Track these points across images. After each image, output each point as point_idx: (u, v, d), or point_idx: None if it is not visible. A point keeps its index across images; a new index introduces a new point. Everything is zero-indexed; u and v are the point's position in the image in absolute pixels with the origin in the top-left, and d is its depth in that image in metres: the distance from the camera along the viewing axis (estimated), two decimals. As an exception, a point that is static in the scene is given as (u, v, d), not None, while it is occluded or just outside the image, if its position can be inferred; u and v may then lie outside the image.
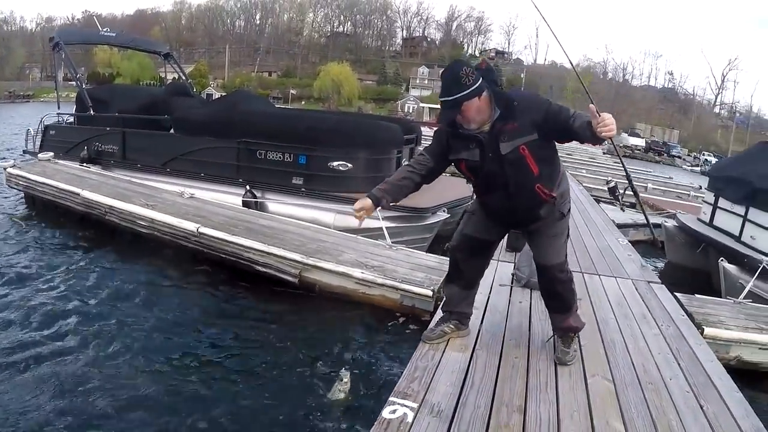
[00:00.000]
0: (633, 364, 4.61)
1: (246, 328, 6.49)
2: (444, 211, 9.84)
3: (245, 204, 10.21)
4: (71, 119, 14.89)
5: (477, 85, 3.70)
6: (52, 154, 12.82)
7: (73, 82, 15.45)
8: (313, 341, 6.25)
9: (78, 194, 9.57)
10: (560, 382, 4.14)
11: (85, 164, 12.54)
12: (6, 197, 12.39)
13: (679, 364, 4.73)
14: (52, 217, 10.50)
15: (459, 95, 3.70)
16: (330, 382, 5.17)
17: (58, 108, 15.51)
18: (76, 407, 4.83)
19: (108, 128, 12.79)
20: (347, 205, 9.57)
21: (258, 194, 10.45)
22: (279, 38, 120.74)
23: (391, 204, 4.43)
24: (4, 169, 11.62)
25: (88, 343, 5.91)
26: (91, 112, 13.60)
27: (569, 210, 4.24)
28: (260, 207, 10.27)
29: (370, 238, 8.34)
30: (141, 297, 7.10)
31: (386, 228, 8.32)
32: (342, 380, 4.84)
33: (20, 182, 11.26)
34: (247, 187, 10.44)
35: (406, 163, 4.54)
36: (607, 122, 3.45)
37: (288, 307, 6.98)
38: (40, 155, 12.87)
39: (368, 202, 4.22)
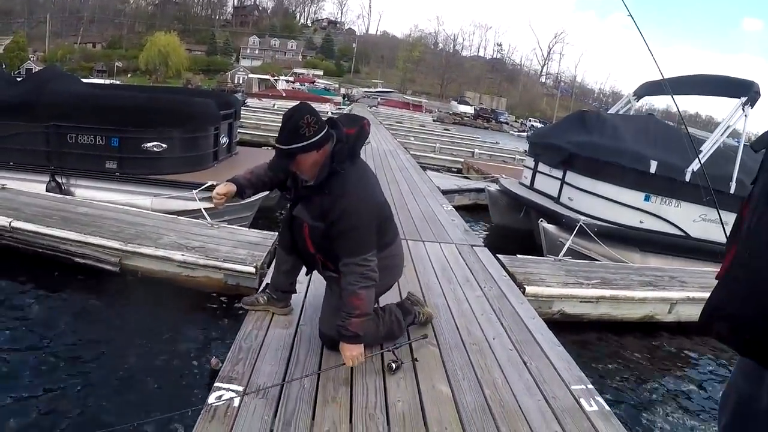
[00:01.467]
0: (457, 327, 4.72)
1: (70, 323, 6.08)
2: (261, 185, 9.69)
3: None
4: None
5: (317, 138, 3.37)
6: None
7: None
8: (140, 330, 6.00)
9: None
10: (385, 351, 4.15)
11: None
12: None
13: (501, 324, 4.91)
14: None
15: (294, 146, 3.35)
16: (157, 370, 5.07)
17: None
18: None
19: None
20: (164, 189, 9.32)
21: (63, 182, 9.83)
22: (104, 6, 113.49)
23: (250, 196, 4.22)
24: None
25: None
26: None
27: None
28: (68, 195, 9.68)
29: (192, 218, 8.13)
30: None
31: (204, 209, 8.14)
32: None
33: None
34: (52, 175, 9.78)
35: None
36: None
37: (112, 297, 6.63)
38: None
39: (233, 187, 3.96)
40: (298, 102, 3.68)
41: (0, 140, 10.22)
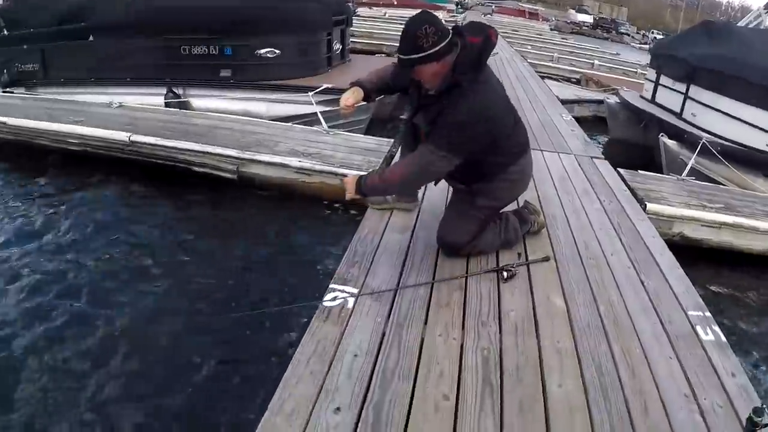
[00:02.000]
0: (574, 240, 4.61)
1: (192, 230, 6.42)
2: (375, 91, 9.62)
3: (168, 105, 9.88)
4: None
5: (436, 49, 3.18)
6: None
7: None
8: (258, 235, 6.26)
9: (5, 123, 9.09)
10: (501, 259, 4.10)
11: (7, 89, 11.83)
12: None
13: (620, 240, 4.75)
14: None
15: (411, 57, 3.24)
16: (273, 271, 5.29)
17: None
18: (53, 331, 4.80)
19: (25, 46, 11.91)
20: (279, 94, 9.41)
21: (180, 92, 10.12)
22: None
23: (374, 99, 4.17)
24: None
25: (41, 267, 5.76)
26: (5, 32, 12.70)
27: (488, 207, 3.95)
28: (185, 106, 9.98)
29: (308, 125, 8.18)
30: (85, 216, 6.90)
31: (321, 113, 8.16)
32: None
33: None
34: (170, 87, 10.08)
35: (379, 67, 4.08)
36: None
37: (231, 203, 6.91)
38: None
39: (360, 93, 3.92)
40: (415, 11, 3.50)
41: (116, 58, 10.60)
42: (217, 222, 6.59)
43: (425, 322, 3.28)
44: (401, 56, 3.30)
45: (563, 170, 6.49)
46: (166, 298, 5.12)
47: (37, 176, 8.16)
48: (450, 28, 3.35)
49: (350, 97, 3.87)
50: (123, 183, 7.61)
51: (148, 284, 5.33)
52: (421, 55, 3.19)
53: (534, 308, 3.54)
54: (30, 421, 3.78)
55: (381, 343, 3.06)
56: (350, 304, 3.34)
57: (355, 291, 3.49)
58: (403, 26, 3.30)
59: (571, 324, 3.42)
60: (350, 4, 14.38)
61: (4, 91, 11.61)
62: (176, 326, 4.69)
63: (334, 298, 3.39)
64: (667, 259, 4.51)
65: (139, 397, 4.01)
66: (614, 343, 3.29)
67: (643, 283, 4.05)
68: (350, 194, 3.65)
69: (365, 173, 3.66)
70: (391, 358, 2.95)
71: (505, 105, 3.64)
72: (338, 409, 2.58)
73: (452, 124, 3.33)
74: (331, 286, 3.55)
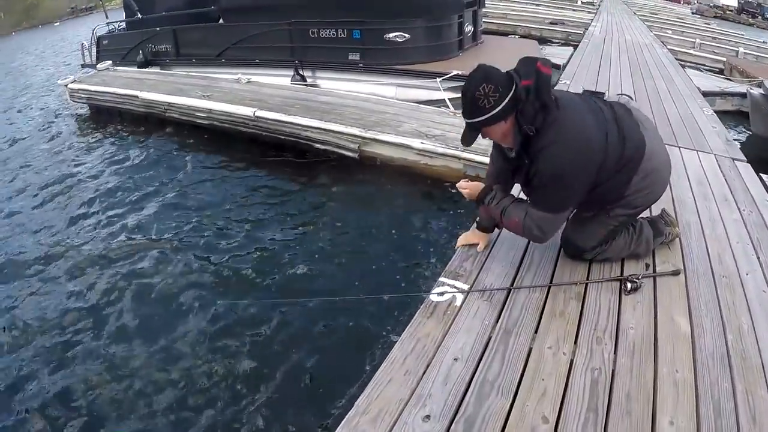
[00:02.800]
0: (708, 253, 4.22)
1: (312, 205, 6.64)
2: (511, 77, 9.34)
3: None
4: (123, 26, 14.76)
5: (500, 108, 2.95)
6: (110, 62, 12.85)
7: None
8: (376, 215, 6.29)
9: (137, 96, 9.70)
10: (627, 267, 3.83)
11: (142, 68, 12.63)
12: (73, 113, 12.42)
13: (758, 258, 4.30)
14: (116, 121, 10.66)
15: (475, 120, 3.04)
16: (387, 254, 5.41)
17: (107, 18, 15.74)
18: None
19: (158, 28, 12.67)
20: (407, 79, 9.32)
21: (308, 75, 10.36)
22: None
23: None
24: (66, 86, 11.59)
25: (167, 227, 6.42)
26: (139, 15, 13.55)
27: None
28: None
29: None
30: (209, 184, 7.38)
31: (449, 99, 8.02)
32: None
33: (82, 95, 11.37)
34: (296, 69, 10.34)
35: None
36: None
37: (351, 183, 7.01)
38: (98, 65, 12.86)
39: (478, 188, 3.64)
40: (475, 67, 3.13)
41: (245, 40, 10.94)
42: (336, 200, 6.68)
43: (536, 331, 3.10)
44: (466, 120, 3.12)
45: (702, 172, 6.03)
46: (267, 278, 5.33)
47: (168, 146, 8.71)
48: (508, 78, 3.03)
49: (467, 185, 3.68)
50: (248, 154, 7.91)
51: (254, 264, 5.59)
52: (485, 117, 3.00)
53: (656, 328, 3.26)
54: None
55: (485, 349, 2.90)
56: (458, 302, 3.20)
57: (466, 287, 3.33)
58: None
59: (694, 352, 3.12)
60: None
61: (138, 69, 12.40)
62: (273, 311, 4.81)
63: (443, 293, 3.25)
64: (807, 288, 4.08)
65: (228, 386, 4.19)
66: (738, 380, 2.96)
67: (778, 313, 3.67)
68: (470, 196, 3.56)
69: (496, 189, 3.52)
70: (493, 367, 2.79)
71: (596, 126, 3.18)
72: (428, 417, 2.46)
73: (546, 185, 3.10)
74: (441, 279, 3.42)
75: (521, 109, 2.98)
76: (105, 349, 4.55)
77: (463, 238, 3.89)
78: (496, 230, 3.98)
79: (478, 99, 2.95)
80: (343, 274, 5.25)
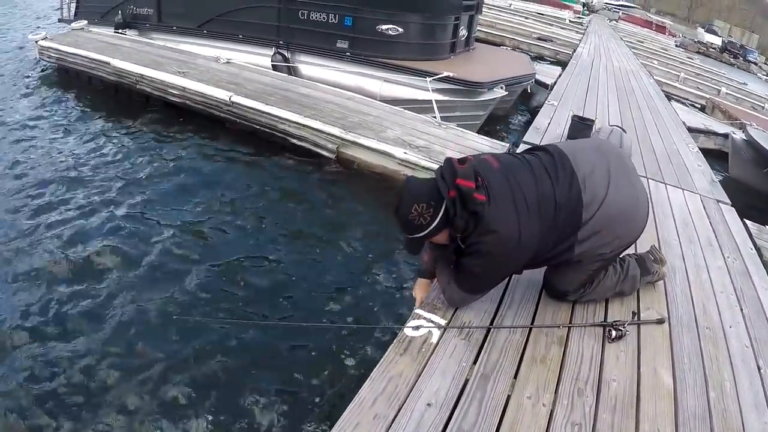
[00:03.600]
0: (693, 302, 4.10)
1: (280, 202, 6.39)
2: (501, 87, 9.24)
3: (275, 68, 9.93)
4: None
5: (435, 223, 2.92)
6: (85, 22, 12.43)
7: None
8: (348, 224, 6.07)
9: (108, 63, 9.31)
10: (611, 310, 3.68)
11: (119, 30, 12.17)
12: (41, 71, 11.67)
13: (741, 310, 4.21)
14: (84, 87, 10.16)
15: (417, 236, 2.99)
16: (357, 272, 5.22)
17: None
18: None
19: None
20: (395, 74, 9.13)
21: (288, 56, 10.12)
22: None
23: None
24: (36, 42, 11.09)
25: (123, 211, 6.06)
26: None
27: None
28: (293, 72, 9.96)
29: (418, 112, 7.86)
30: (171, 169, 7.02)
31: (436, 101, 7.85)
32: None
33: (52, 54, 10.86)
34: (277, 49, 10.13)
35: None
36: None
37: (324, 184, 6.77)
38: (73, 24, 12.41)
39: (427, 285, 3.64)
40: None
41: (230, 14, 10.70)
42: (306, 201, 6.47)
43: (515, 376, 2.93)
44: (407, 235, 3.05)
45: (687, 213, 5.91)
46: (212, 295, 4.97)
47: (135, 120, 8.48)
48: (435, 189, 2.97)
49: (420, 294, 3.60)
50: (217, 140, 7.71)
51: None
52: (424, 234, 2.97)
53: (639, 382, 3.10)
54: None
55: (461, 394, 2.72)
56: (434, 338, 3.02)
57: (443, 322, 3.16)
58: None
59: (676, 409, 2.97)
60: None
61: (116, 32, 11.97)
62: (215, 335, 4.50)
63: (418, 327, 3.08)
64: (789, 344, 3.95)
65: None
66: (718, 442, 2.82)
67: (759, 369, 3.53)
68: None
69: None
70: (469, 416, 2.61)
71: (527, 217, 2.98)
72: (395, 470, 2.25)
73: (471, 271, 3.13)
74: (416, 311, 3.25)
75: (452, 222, 2.94)
76: (42, 370, 4.22)
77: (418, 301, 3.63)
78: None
79: (413, 220, 2.92)
80: (312, 293, 4.97)
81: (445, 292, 3.30)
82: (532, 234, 2.96)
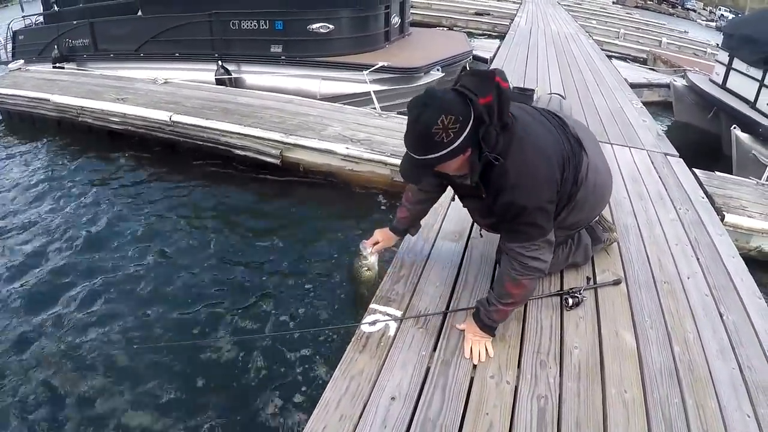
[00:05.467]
0: (648, 259, 4.12)
1: (231, 215, 6.26)
2: (438, 69, 9.35)
3: (219, 81, 9.81)
4: (41, 20, 13.96)
5: (459, 142, 2.43)
6: (22, 61, 12.11)
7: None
8: (298, 229, 5.97)
9: (48, 100, 9.08)
10: (566, 280, 3.67)
11: (57, 64, 11.97)
12: None
13: (698, 259, 4.23)
14: (28, 128, 9.82)
15: (429, 157, 2.49)
16: (310, 272, 5.12)
17: (22, 11, 14.70)
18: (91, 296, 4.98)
19: (75, 22, 12.03)
20: (332, 71, 9.10)
21: (232, 69, 10.03)
22: None
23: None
24: None
25: (80, 247, 5.85)
26: (55, 8, 12.89)
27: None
28: (236, 83, 9.91)
29: (360, 105, 7.83)
30: (124, 196, 6.87)
31: (374, 92, 7.86)
32: (362, 256, 3.54)
33: None
34: (220, 63, 10.00)
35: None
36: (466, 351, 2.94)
37: (273, 190, 6.70)
38: (10, 65, 12.08)
39: (389, 241, 3.54)
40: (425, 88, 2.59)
41: (164, 33, 10.62)
42: (255, 211, 6.36)
43: (477, 358, 2.88)
44: (415, 156, 2.55)
45: (635, 169, 5.94)
46: (168, 307, 4.87)
47: (82, 154, 8.28)
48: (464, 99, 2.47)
49: (373, 243, 3.48)
50: (164, 162, 7.57)
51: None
52: (442, 153, 2.47)
53: (600, 345, 3.10)
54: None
55: (424, 383, 2.70)
56: (392, 331, 2.99)
57: (399, 314, 3.12)
58: (407, 111, 2.52)
59: (641, 368, 2.98)
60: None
61: (54, 67, 11.72)
62: (169, 358, 4.35)
63: (374, 322, 3.04)
64: (747, 286, 3.96)
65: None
66: (688, 395, 2.85)
67: (722, 316, 3.55)
68: (476, 345, 2.99)
69: (482, 313, 2.96)
70: (434, 404, 2.59)
71: (552, 141, 2.86)
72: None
73: (521, 218, 2.67)
74: (371, 306, 3.20)
75: (484, 136, 2.49)
76: None
77: (372, 238, 3.54)
78: (426, 245, 3.85)
79: (435, 134, 2.40)
80: (267, 302, 4.84)
81: (522, 274, 2.78)
82: (558, 156, 2.80)
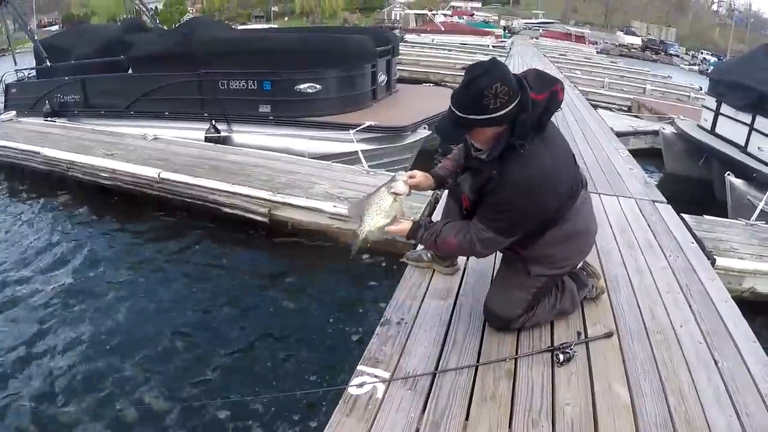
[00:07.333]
0: (639, 308, 4.08)
1: (219, 273, 6.19)
2: (425, 127, 9.34)
3: (209, 140, 9.82)
4: (33, 73, 14.14)
5: (503, 113, 2.67)
6: (14, 113, 12.36)
7: (51, 27, 14.57)
8: (287, 289, 5.90)
9: (38, 153, 9.14)
10: (557, 334, 3.63)
11: (49, 119, 12.04)
12: None
13: (690, 306, 4.19)
14: (17, 180, 9.82)
15: (471, 117, 2.73)
16: (299, 333, 5.05)
17: (15, 64, 14.78)
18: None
19: (67, 78, 12.17)
20: (319, 131, 9.19)
21: (222, 128, 10.06)
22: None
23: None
24: None
25: (65, 303, 5.74)
26: (47, 63, 13.10)
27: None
28: (226, 141, 9.94)
29: (349, 163, 7.90)
30: (111, 253, 6.81)
31: (362, 151, 7.92)
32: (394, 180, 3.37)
33: None
34: (212, 122, 10.04)
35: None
36: None
37: (262, 249, 6.69)
38: (1, 116, 12.29)
39: (427, 179, 3.54)
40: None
41: (154, 92, 10.68)
42: (244, 270, 6.30)
43: (466, 418, 2.84)
44: (457, 112, 2.77)
45: (624, 218, 5.95)
46: (157, 369, 4.73)
47: (70, 209, 8.25)
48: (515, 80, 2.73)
49: (408, 176, 3.37)
50: (153, 219, 7.53)
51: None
52: (485, 117, 2.69)
53: (594, 401, 3.04)
54: None
55: (413, 446, 2.61)
56: (380, 393, 2.93)
57: (387, 375, 3.06)
58: (465, 72, 2.78)
59: (636, 422, 2.91)
60: (397, 31, 14.08)
61: (46, 121, 11.75)
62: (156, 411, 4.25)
63: (362, 384, 2.98)
64: (741, 330, 3.91)
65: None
66: (685, 447, 2.75)
67: (716, 362, 3.50)
68: (401, 234, 3.28)
69: (424, 222, 3.30)
70: (424, 468, 2.50)
71: (567, 168, 3.08)
72: None
73: (501, 204, 2.90)
74: (359, 367, 3.14)
75: (520, 121, 2.73)
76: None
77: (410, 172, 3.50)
78: (414, 304, 3.83)
79: (485, 96, 2.62)
80: (250, 364, 4.72)
81: (462, 244, 3.07)
82: (566, 182, 3.05)
